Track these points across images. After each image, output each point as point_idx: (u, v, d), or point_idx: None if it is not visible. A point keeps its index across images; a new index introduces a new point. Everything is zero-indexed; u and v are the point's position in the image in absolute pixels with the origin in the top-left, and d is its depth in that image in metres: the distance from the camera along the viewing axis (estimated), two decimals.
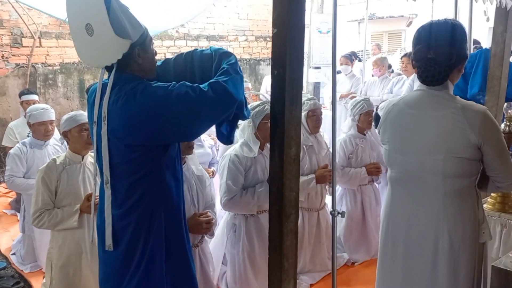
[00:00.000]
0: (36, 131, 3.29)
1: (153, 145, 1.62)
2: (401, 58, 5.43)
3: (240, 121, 1.94)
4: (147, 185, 1.64)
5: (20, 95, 4.57)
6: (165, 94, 1.53)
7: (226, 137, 1.78)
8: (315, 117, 3.04)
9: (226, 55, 1.71)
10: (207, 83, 1.58)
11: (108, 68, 1.65)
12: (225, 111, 1.60)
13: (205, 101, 1.54)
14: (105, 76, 1.70)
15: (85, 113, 2.48)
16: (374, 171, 3.33)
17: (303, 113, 2.99)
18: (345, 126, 3.46)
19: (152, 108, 1.53)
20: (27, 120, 3.32)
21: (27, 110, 3.40)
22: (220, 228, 2.87)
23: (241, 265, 2.73)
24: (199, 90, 1.54)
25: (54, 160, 2.43)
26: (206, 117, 1.58)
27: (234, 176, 2.60)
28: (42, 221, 2.33)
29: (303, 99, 3.04)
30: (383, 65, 5.84)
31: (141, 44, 1.62)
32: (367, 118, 3.32)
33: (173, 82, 1.57)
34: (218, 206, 2.86)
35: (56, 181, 2.37)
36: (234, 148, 2.72)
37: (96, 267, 2.41)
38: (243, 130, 2.73)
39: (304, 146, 2.99)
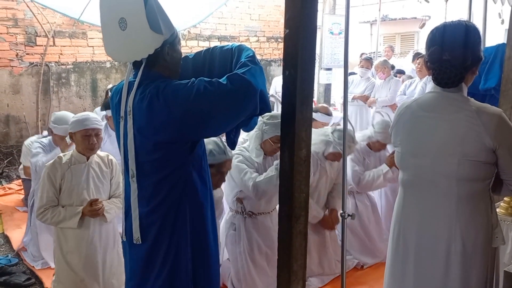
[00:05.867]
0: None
1: (181, 142, 1.63)
2: (417, 59, 5.45)
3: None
4: (174, 183, 1.66)
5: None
6: (186, 91, 1.55)
7: (232, 141, 1.79)
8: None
9: (245, 50, 1.74)
10: (225, 76, 1.59)
11: (136, 65, 1.67)
12: (247, 102, 1.59)
13: (224, 93, 1.54)
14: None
15: (93, 118, 2.49)
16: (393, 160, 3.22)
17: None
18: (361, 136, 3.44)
19: (175, 106, 1.55)
20: None
21: None
22: (221, 227, 2.88)
23: (244, 265, 2.76)
24: (218, 84, 1.56)
25: (60, 158, 2.47)
26: (229, 110, 1.58)
27: (248, 166, 2.66)
28: (45, 217, 2.40)
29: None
30: (384, 67, 5.85)
31: (171, 43, 1.66)
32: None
33: (192, 79, 1.59)
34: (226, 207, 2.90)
35: (60, 179, 2.41)
36: (240, 150, 2.77)
37: (96, 269, 2.46)
38: (250, 137, 2.75)
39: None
